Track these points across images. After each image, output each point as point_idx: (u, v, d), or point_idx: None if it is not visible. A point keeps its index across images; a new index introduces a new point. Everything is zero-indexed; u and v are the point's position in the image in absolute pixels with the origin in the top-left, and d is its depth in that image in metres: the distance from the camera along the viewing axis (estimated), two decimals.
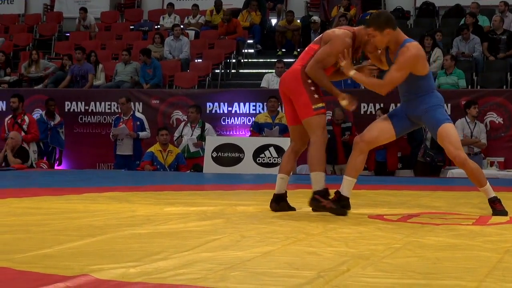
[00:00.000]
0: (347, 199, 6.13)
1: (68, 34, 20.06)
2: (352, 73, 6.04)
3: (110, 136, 13.61)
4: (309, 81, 6.04)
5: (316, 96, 6.05)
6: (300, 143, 6.30)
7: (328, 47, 6.06)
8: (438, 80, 14.07)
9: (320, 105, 6.04)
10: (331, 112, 12.83)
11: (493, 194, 6.11)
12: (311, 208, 6.13)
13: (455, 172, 11.82)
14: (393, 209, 6.43)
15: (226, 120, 14.04)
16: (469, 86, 14.38)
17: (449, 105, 13.10)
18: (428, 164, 12.57)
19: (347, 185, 6.14)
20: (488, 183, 6.10)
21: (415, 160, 12.68)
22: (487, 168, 12.28)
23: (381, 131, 6.16)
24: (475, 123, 12.58)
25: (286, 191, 6.30)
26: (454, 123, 12.08)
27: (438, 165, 12.56)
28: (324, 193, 6.04)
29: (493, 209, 6.08)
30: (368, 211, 6.28)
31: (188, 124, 13.30)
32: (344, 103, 6.13)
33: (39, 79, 16.47)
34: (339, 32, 6.15)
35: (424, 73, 5.97)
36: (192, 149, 13.07)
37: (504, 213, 5.99)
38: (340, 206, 6.07)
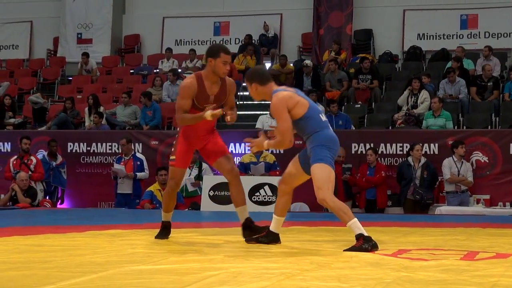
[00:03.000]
0: (276, 234, 6.59)
1: (71, 78, 20.41)
2: (265, 144, 6.36)
3: (111, 174, 13.98)
4: (177, 136, 7.03)
5: (172, 149, 7.02)
6: (225, 175, 7.04)
7: (177, 98, 7.02)
8: (426, 121, 14.45)
9: (171, 157, 6.96)
10: None
11: (358, 231, 6.03)
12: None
13: (443, 209, 12.18)
14: (384, 245, 6.37)
15: None
16: (456, 127, 14.77)
17: (436, 145, 13.55)
18: (418, 201, 12.83)
19: (275, 223, 6.58)
20: (353, 220, 6.06)
21: (405, 197, 12.95)
22: (474, 205, 12.65)
23: (291, 172, 6.51)
24: (462, 162, 12.93)
25: (247, 218, 6.92)
26: (442, 163, 12.57)
27: (427, 203, 12.85)
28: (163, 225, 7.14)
29: (353, 245, 6.00)
30: None
31: None
32: (208, 117, 6.58)
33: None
34: (182, 82, 7.08)
35: (299, 115, 6.23)
36: (190, 188, 13.40)
37: (358, 249, 5.91)
38: (269, 239, 6.55)
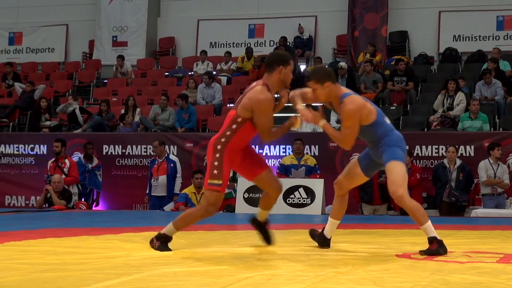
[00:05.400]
0: (326, 239, 6.55)
1: (106, 81, 20.60)
2: (322, 123, 6.20)
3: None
4: (218, 154, 6.21)
5: (215, 172, 6.19)
6: (270, 190, 6.62)
7: (261, 116, 6.16)
8: (462, 123, 14.41)
9: (216, 181, 6.19)
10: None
11: (432, 234, 6.05)
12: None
13: (479, 212, 12.07)
14: (419, 247, 6.33)
15: None
16: (492, 129, 14.68)
17: (472, 147, 13.46)
18: (453, 204, 12.75)
19: (328, 225, 6.57)
20: (429, 222, 6.05)
21: (440, 200, 12.88)
22: (510, 207, 12.46)
23: (351, 175, 6.47)
24: (498, 164, 12.82)
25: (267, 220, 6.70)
26: (478, 165, 12.51)
27: (462, 205, 12.78)
28: (160, 238, 6.31)
29: (428, 248, 6.05)
30: (395, 249, 6.39)
31: None
32: (297, 125, 6.35)
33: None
34: (259, 96, 6.16)
35: (369, 121, 6.15)
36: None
37: (434, 252, 5.97)
38: (319, 241, 6.55)
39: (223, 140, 6.25)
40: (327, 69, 6.40)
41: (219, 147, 6.24)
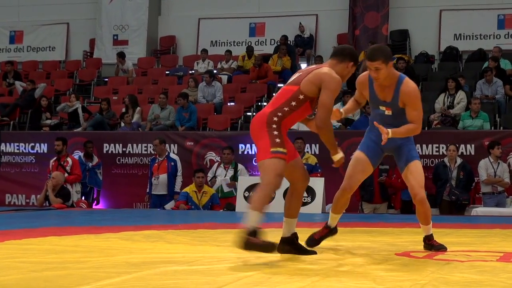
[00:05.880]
0: (335, 228, 6.51)
1: (107, 80, 20.59)
2: (390, 134, 5.95)
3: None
4: (274, 126, 5.63)
5: (278, 140, 5.58)
6: (297, 180, 5.93)
7: (330, 95, 5.68)
8: (463, 122, 14.41)
9: (281, 149, 5.54)
10: None
11: (431, 231, 6.28)
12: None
13: (479, 210, 12.06)
14: (419, 246, 6.42)
15: None
16: (492, 127, 14.68)
17: (473, 145, 13.45)
18: (453, 202, 12.77)
19: (332, 218, 6.48)
20: (431, 224, 6.26)
21: (440, 198, 12.88)
22: (511, 206, 12.53)
23: (359, 174, 6.30)
24: (498, 163, 12.82)
25: (294, 233, 5.96)
26: (478, 163, 12.52)
27: (463, 204, 12.79)
28: (253, 232, 5.38)
29: (431, 245, 6.25)
30: (395, 248, 6.40)
31: (222, 165, 13.74)
32: (336, 158, 5.90)
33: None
34: (333, 74, 5.72)
35: None
36: (226, 189, 13.40)
37: (441, 247, 6.19)
38: (331, 235, 6.49)
39: (279, 114, 5.69)
40: (388, 48, 6.15)
41: (275, 119, 5.66)
